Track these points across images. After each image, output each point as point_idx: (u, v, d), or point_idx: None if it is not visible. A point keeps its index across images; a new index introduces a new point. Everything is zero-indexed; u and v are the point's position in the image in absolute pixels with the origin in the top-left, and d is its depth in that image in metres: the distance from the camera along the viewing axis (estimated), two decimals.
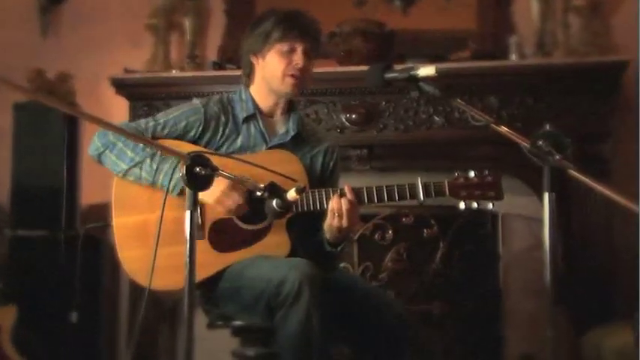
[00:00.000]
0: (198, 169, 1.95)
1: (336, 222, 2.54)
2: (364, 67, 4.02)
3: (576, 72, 4.03)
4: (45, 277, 4.10)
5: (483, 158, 4.08)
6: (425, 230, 4.08)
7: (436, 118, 4.13)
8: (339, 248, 2.70)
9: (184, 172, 1.94)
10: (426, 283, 4.10)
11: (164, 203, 2.14)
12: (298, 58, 2.68)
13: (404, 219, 4.09)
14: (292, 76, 2.69)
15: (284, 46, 2.68)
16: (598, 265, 4.05)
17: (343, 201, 2.53)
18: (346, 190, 2.56)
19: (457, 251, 4.12)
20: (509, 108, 4.09)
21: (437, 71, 2.21)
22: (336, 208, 2.53)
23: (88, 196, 4.47)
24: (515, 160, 3.77)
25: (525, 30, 4.32)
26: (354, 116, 4.19)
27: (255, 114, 2.77)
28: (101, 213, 4.59)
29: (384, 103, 4.17)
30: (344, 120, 4.21)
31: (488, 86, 4.10)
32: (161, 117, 2.75)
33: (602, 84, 4.01)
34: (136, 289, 2.72)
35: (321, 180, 2.81)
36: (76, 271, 4.02)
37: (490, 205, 2.59)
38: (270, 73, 2.72)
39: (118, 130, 2.33)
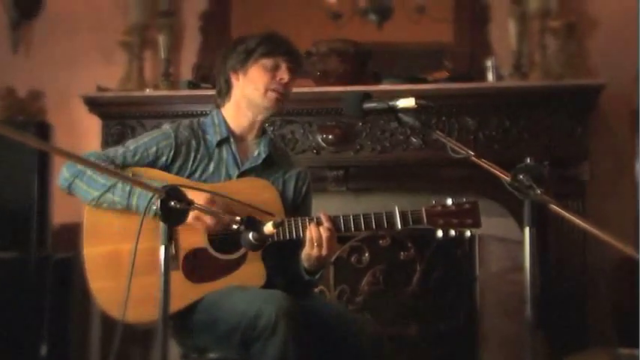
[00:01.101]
0: (173, 202, 1.91)
1: (315, 251, 2.52)
2: (340, 88, 4.08)
3: (553, 94, 4.03)
4: (14, 302, 4.00)
5: (460, 180, 4.05)
6: (402, 253, 4.06)
7: (413, 140, 4.09)
8: (317, 276, 2.67)
9: (159, 205, 1.89)
10: (402, 306, 4.07)
11: (140, 226, 2.07)
12: (283, 74, 2.69)
13: (380, 241, 4.07)
14: (275, 90, 2.68)
15: (268, 62, 2.68)
16: (574, 287, 4.04)
17: (322, 229, 2.52)
18: (323, 218, 2.54)
19: (434, 273, 4.11)
20: (486, 130, 4.07)
21: (417, 103, 2.19)
22: (315, 237, 2.51)
23: (59, 215, 4.40)
24: (492, 181, 3.77)
25: (501, 50, 4.32)
26: (330, 137, 4.14)
27: (229, 137, 2.75)
28: (73, 233, 4.53)
29: (360, 123, 4.12)
30: (320, 140, 4.17)
31: (465, 108, 4.08)
32: (131, 144, 2.71)
33: (579, 106, 4.01)
34: (107, 316, 2.64)
35: (294, 205, 2.79)
36: (46, 302, 3.92)
37: (468, 233, 2.59)
38: (253, 87, 2.70)
39: (90, 164, 2.28)
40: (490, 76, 4.15)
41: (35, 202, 4.20)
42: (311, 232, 2.51)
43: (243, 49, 2.71)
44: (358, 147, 4.16)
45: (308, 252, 2.54)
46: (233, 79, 2.75)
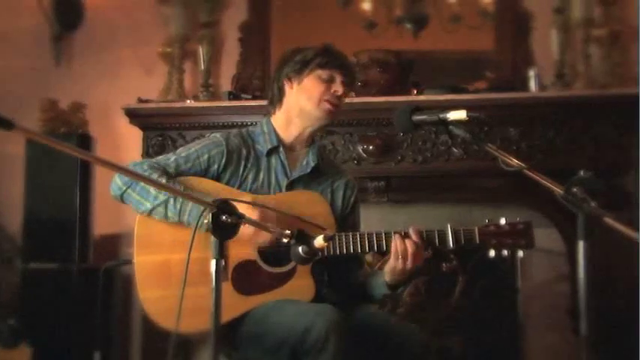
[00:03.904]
0: (224, 217, 1.90)
1: (400, 264, 2.49)
2: (381, 98, 4.06)
3: (597, 103, 3.98)
4: (58, 313, 4.02)
5: (503, 191, 4.04)
6: (444, 264, 4.02)
7: (454, 150, 4.07)
8: (398, 290, 2.67)
9: (210, 220, 1.89)
10: (444, 318, 4.03)
11: (191, 243, 2.06)
12: (338, 87, 2.68)
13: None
14: (328, 101, 2.67)
15: (324, 74, 2.67)
16: (621, 300, 3.97)
17: (408, 243, 2.49)
18: (411, 231, 2.52)
19: (476, 285, 4.06)
20: (529, 140, 4.04)
21: (468, 115, 2.16)
22: (400, 250, 2.49)
23: (99, 227, 4.43)
24: (535, 192, 3.73)
25: (543, 59, 4.29)
26: (371, 147, 4.12)
27: (278, 146, 2.74)
28: (113, 244, 4.57)
29: (401, 134, 4.10)
30: (361, 151, 4.16)
31: (508, 118, 4.05)
32: (183, 151, 2.71)
33: (624, 115, 3.95)
34: (148, 325, 2.64)
35: (342, 215, 2.78)
36: (97, 309, 3.91)
37: (520, 253, 2.55)
38: (306, 97, 2.69)
39: (142, 178, 2.29)
40: (533, 86, 4.11)
41: (77, 213, 4.23)
42: (396, 244, 2.49)
43: (300, 59, 2.70)
44: (399, 158, 4.14)
45: (393, 264, 2.51)
46: (287, 87, 2.74)
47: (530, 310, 4.19)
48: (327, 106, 2.68)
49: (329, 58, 2.68)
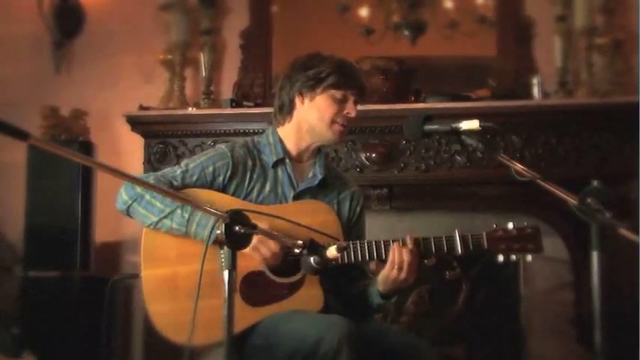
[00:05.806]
0: (237, 227, 1.88)
1: (394, 274, 2.48)
2: (384, 106, 4.05)
3: (600, 112, 3.99)
4: (60, 322, 4.00)
5: (505, 198, 4.04)
6: (447, 272, 4.02)
7: (458, 158, 4.06)
8: (392, 300, 2.65)
9: (223, 230, 1.87)
10: (448, 326, 4.03)
11: (204, 255, 2.09)
12: (351, 109, 2.65)
13: (426, 260, 4.03)
14: (341, 124, 2.66)
15: (338, 94, 2.64)
16: (624, 306, 3.96)
17: (404, 252, 2.47)
18: (408, 240, 2.51)
19: (479, 293, 4.06)
20: (532, 148, 4.04)
21: (481, 125, 2.16)
22: (397, 260, 2.47)
23: (101, 234, 4.41)
24: (536, 200, 3.74)
25: (545, 67, 4.28)
26: (373, 155, 4.11)
27: (284, 158, 2.72)
28: (114, 252, 4.55)
29: (404, 142, 4.10)
30: (364, 159, 4.15)
31: (511, 126, 4.04)
32: (188, 163, 2.68)
33: (627, 123, 3.95)
34: (150, 335, 2.62)
35: (348, 225, 2.76)
36: (103, 322, 3.88)
37: (529, 258, 2.54)
38: (317, 116, 2.66)
39: (146, 184, 2.28)
40: (536, 94, 4.11)
41: (78, 221, 4.21)
42: (394, 253, 2.47)
43: (313, 74, 2.64)
44: (402, 165, 4.14)
45: (387, 274, 2.49)
46: (297, 101, 2.69)
47: (533, 318, 4.18)
48: (339, 128, 2.67)
49: (344, 78, 2.64)
